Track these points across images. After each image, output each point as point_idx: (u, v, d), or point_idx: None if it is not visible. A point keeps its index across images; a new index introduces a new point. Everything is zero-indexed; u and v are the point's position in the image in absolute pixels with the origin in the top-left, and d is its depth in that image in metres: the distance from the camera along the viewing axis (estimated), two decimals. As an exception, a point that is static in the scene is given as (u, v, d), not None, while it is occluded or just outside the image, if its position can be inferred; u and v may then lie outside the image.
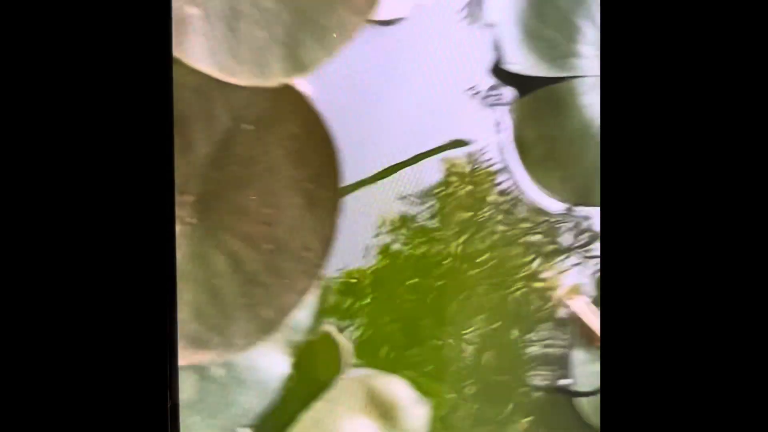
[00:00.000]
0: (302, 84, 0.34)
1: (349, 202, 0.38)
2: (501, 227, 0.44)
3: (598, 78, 0.48)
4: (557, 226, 0.46)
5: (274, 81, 0.33)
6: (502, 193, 0.44)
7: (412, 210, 0.41)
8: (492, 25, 0.43)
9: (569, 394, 0.47)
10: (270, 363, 0.36)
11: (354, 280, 0.39)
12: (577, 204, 0.48)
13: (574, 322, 0.47)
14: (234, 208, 0.33)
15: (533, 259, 0.45)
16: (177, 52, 0.32)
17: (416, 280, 0.41)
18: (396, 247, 0.40)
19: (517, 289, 0.44)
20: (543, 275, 0.46)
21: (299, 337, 0.37)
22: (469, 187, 0.43)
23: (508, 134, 0.46)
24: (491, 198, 0.44)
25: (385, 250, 0.40)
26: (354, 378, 0.39)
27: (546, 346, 0.45)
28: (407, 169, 0.41)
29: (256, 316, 0.34)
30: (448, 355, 0.42)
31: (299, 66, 0.33)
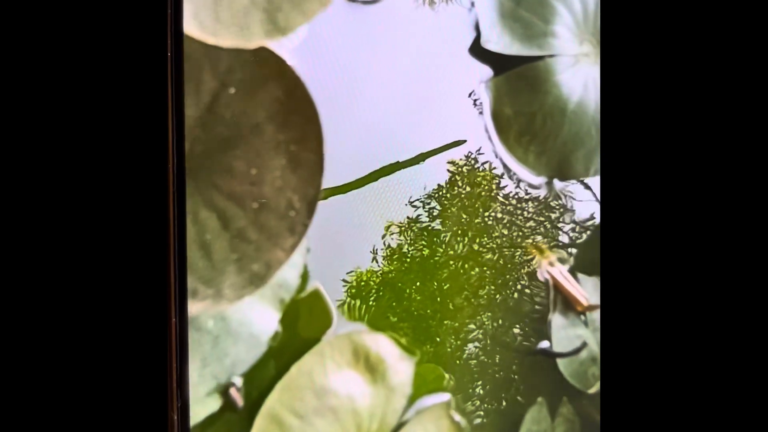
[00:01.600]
0: (285, 54, 0.37)
1: (355, 201, 0.40)
2: (504, 230, 0.45)
3: (573, 57, 0.50)
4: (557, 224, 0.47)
5: (254, 43, 0.35)
6: (506, 196, 0.46)
7: (417, 212, 0.43)
8: (470, 6, 0.45)
9: (549, 355, 0.49)
10: (260, 317, 0.38)
11: (363, 283, 0.41)
12: (552, 177, 0.50)
13: (553, 288, 0.49)
14: (221, 168, 0.35)
15: (533, 257, 0.47)
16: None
17: (422, 282, 0.43)
18: (403, 249, 0.42)
19: (521, 288, 0.46)
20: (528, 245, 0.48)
21: (287, 295, 0.39)
22: (473, 189, 0.45)
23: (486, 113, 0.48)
24: (495, 199, 0.46)
25: (393, 253, 0.42)
26: (341, 334, 0.41)
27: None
28: (412, 170, 0.43)
29: (245, 270, 0.36)
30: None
31: (278, 29, 0.36)
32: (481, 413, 0.45)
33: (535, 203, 0.47)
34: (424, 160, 0.43)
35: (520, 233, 0.46)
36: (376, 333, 0.41)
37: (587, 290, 0.50)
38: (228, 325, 0.37)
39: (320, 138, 0.36)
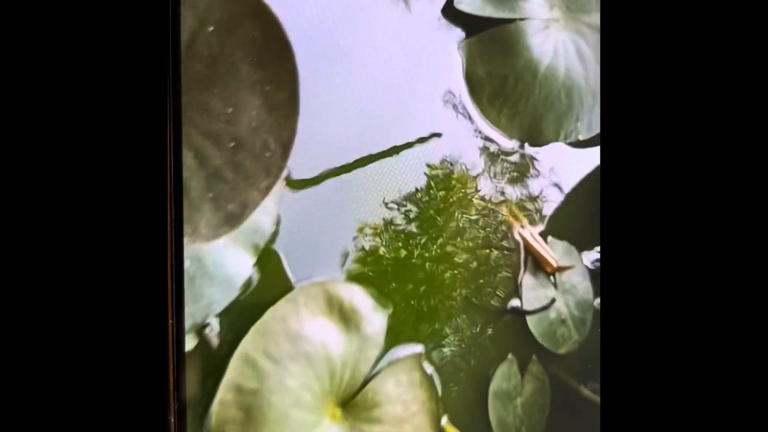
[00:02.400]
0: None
1: (327, 199, 0.41)
2: (480, 232, 0.46)
3: (543, 21, 0.51)
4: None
5: None
6: (482, 198, 0.47)
7: (392, 214, 0.43)
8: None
9: (519, 313, 0.49)
10: (235, 260, 0.38)
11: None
12: (524, 141, 0.51)
13: (524, 249, 0.50)
14: (198, 106, 0.36)
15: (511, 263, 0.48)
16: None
17: (396, 284, 0.44)
18: (377, 251, 0.43)
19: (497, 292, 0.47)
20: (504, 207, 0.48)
21: (262, 241, 0.39)
22: (449, 192, 0.46)
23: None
24: (471, 202, 0.46)
25: (365, 255, 0.42)
26: (316, 282, 0.41)
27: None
28: (387, 172, 0.43)
29: (221, 209, 0.36)
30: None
31: None
32: (453, 366, 0.45)
33: (509, 206, 0.48)
34: (399, 152, 0.44)
35: (495, 235, 0.47)
36: (350, 284, 0.42)
37: (557, 253, 0.51)
38: (204, 266, 0.37)
39: (295, 79, 0.36)
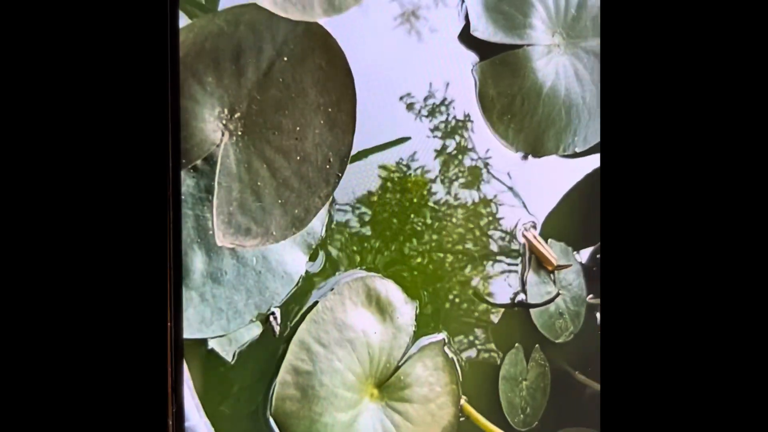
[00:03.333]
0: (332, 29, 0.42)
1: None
2: (435, 236, 0.49)
3: (546, 47, 0.56)
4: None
5: (315, 17, 0.41)
6: (436, 202, 0.50)
7: (346, 216, 0.46)
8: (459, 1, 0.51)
9: (524, 306, 0.54)
10: (293, 258, 0.43)
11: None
12: (528, 153, 0.56)
13: (528, 250, 0.55)
14: (272, 125, 0.41)
15: (466, 265, 0.51)
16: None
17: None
18: (334, 253, 0.46)
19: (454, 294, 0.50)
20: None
21: (314, 242, 0.44)
22: (404, 195, 0.49)
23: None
24: (425, 205, 0.50)
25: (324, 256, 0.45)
26: (357, 278, 0.46)
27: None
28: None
29: (289, 214, 0.42)
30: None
31: (335, 8, 0.42)
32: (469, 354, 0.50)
33: (465, 210, 0.51)
34: (366, 157, 0.46)
35: (450, 239, 0.50)
36: (385, 279, 0.47)
37: (556, 253, 0.56)
38: (268, 263, 0.42)
39: (354, 101, 0.41)
